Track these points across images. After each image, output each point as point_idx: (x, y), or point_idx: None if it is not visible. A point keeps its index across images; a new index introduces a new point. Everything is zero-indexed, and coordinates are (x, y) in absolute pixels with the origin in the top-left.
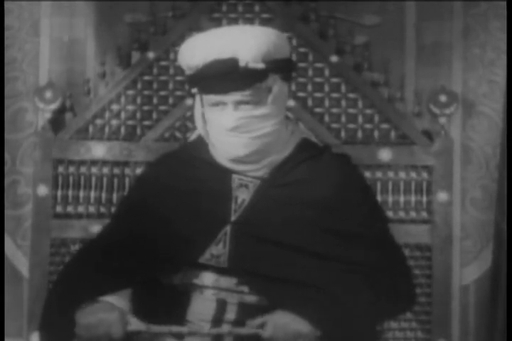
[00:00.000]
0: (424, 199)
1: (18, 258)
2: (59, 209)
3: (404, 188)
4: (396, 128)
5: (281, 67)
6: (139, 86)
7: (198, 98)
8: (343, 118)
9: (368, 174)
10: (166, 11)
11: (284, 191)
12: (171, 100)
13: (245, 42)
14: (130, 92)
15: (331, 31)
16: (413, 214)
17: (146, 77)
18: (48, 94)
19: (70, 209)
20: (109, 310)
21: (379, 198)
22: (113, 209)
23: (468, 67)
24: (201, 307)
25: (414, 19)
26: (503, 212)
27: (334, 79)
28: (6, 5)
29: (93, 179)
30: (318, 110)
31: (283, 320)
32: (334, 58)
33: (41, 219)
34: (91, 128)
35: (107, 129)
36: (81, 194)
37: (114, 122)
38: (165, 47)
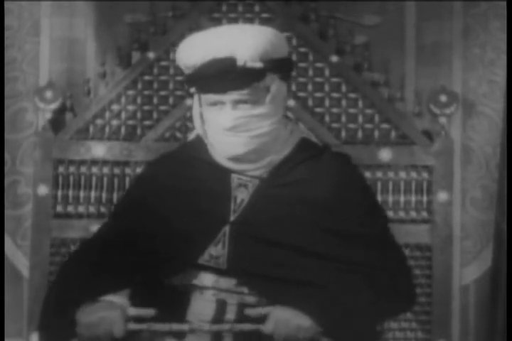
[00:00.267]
0: (425, 199)
1: (18, 258)
2: (59, 209)
3: (404, 188)
4: (396, 128)
5: (279, 66)
6: (139, 86)
7: (196, 97)
8: (344, 118)
9: (368, 174)
10: (166, 11)
11: (283, 191)
12: (171, 100)
13: (243, 41)
14: (130, 92)
15: (331, 31)
16: (413, 214)
17: (147, 77)
18: (48, 94)
19: (70, 209)
20: (110, 309)
21: (379, 198)
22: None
23: (468, 67)
24: (201, 308)
25: (414, 19)
26: (503, 212)
27: (334, 79)
28: (6, 5)
29: (93, 179)
30: (318, 110)
31: (284, 315)
32: (334, 58)
33: (41, 219)
34: (91, 128)
35: (107, 129)
36: (81, 194)
37: (115, 122)
38: (165, 47)
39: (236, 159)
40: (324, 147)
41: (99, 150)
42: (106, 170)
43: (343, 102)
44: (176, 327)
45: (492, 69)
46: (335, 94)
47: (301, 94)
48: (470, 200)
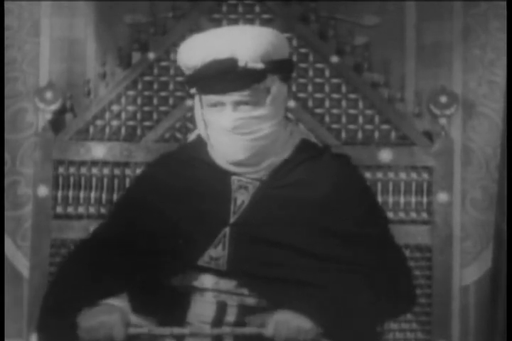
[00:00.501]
0: (425, 199)
1: (18, 259)
2: (59, 209)
3: (404, 189)
4: (396, 128)
5: (280, 67)
6: (140, 86)
7: (197, 99)
8: (344, 119)
9: (368, 175)
10: (166, 11)
11: (283, 192)
12: (171, 101)
13: (244, 42)
14: (130, 93)
15: (331, 32)
16: (413, 214)
17: (147, 78)
18: (48, 95)
19: (70, 209)
20: (111, 312)
21: (379, 199)
22: None
23: (468, 67)
24: (201, 310)
25: (414, 19)
26: (503, 213)
27: (334, 80)
28: (6, 5)
29: (93, 180)
30: (318, 111)
31: (284, 317)
32: (334, 59)
33: (41, 219)
34: (91, 129)
35: (107, 130)
36: (81, 194)
37: (115, 123)
38: (165, 47)
39: (237, 164)
40: (324, 148)
41: (99, 150)
42: (106, 170)
43: (343, 103)
44: (176, 331)
45: (492, 70)
46: (335, 95)
47: (302, 94)
48: (470, 201)
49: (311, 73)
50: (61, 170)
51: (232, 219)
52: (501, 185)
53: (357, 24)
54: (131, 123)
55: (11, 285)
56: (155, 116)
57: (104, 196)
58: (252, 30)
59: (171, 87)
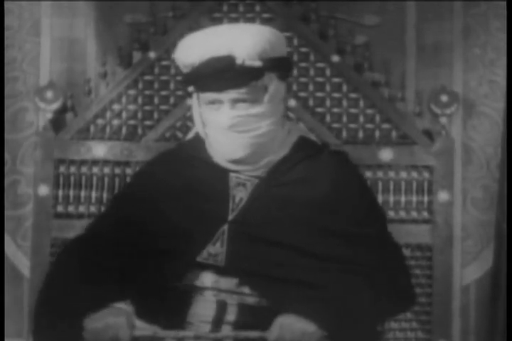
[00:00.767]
0: (425, 199)
1: (19, 258)
2: (60, 209)
3: (405, 188)
4: (397, 128)
5: (277, 65)
6: (140, 86)
7: (194, 97)
8: (344, 118)
9: (368, 174)
10: (166, 11)
11: (281, 190)
12: (172, 100)
13: (242, 40)
14: (131, 92)
15: (332, 31)
16: (414, 214)
17: (147, 77)
18: (49, 94)
19: (70, 209)
20: (117, 315)
21: (380, 198)
22: None
23: (468, 67)
24: (201, 309)
25: (415, 19)
26: (503, 212)
27: (335, 79)
28: (6, 5)
29: (94, 179)
30: (319, 110)
31: (287, 320)
32: (335, 58)
33: (42, 219)
34: (92, 128)
35: (107, 129)
36: (82, 194)
37: (115, 122)
38: (165, 47)
39: (235, 162)
40: (322, 145)
41: (99, 150)
42: (107, 170)
43: (344, 102)
44: (182, 333)
45: (492, 70)
46: (336, 94)
47: (302, 94)
48: (471, 200)
49: (311, 72)
50: (62, 169)
51: (230, 217)
52: (502, 185)
53: (357, 24)
54: (131, 122)
55: (11, 285)
56: (156, 115)
57: (104, 195)
58: (249, 27)
59: (172, 86)
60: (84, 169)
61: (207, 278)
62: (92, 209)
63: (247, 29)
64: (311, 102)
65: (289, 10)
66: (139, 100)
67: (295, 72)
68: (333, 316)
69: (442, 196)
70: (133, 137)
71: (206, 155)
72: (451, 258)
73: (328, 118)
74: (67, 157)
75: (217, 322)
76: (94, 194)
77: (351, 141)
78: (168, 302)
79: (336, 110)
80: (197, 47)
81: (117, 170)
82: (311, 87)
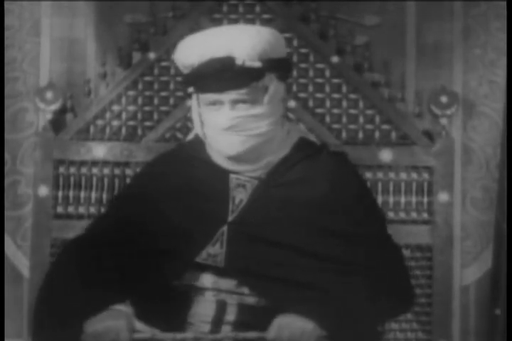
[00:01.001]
0: (425, 199)
1: (19, 259)
2: (59, 209)
3: (405, 189)
4: (397, 128)
5: (277, 66)
6: (140, 86)
7: (194, 98)
8: (344, 119)
9: (368, 175)
10: (166, 11)
11: (281, 191)
12: (171, 101)
13: (242, 40)
14: (131, 93)
15: (332, 32)
16: (414, 214)
17: (147, 78)
18: (49, 95)
19: (70, 209)
20: (116, 318)
21: (380, 199)
22: None
23: (468, 67)
24: (201, 309)
25: (415, 19)
26: (503, 213)
27: (335, 80)
28: (7, 5)
29: (94, 179)
30: (319, 111)
31: (286, 320)
32: (335, 59)
33: (41, 219)
34: (92, 129)
35: (107, 130)
36: (82, 194)
37: (115, 123)
38: (165, 47)
39: (234, 158)
40: (322, 146)
41: (99, 150)
42: (106, 170)
43: (344, 103)
44: (179, 336)
45: (492, 70)
46: (335, 95)
47: (302, 94)
48: (470, 201)
49: (311, 73)
50: (61, 169)
51: (230, 218)
52: (502, 185)
53: (357, 24)
54: (131, 123)
55: (11, 285)
56: (155, 116)
57: (104, 196)
58: (249, 28)
59: (172, 86)
60: (84, 170)
61: (206, 279)
62: (92, 209)
63: (246, 30)
64: (310, 103)
65: (288, 10)
66: (139, 101)
67: (295, 72)
68: (333, 316)
69: (442, 196)
70: (133, 138)
71: (206, 156)
72: (451, 258)
73: (328, 118)
74: (67, 157)
75: (217, 322)
76: (93, 194)
77: (351, 142)
78: (168, 302)
79: (335, 111)
80: (197, 47)
81: (117, 171)
82: (310, 88)
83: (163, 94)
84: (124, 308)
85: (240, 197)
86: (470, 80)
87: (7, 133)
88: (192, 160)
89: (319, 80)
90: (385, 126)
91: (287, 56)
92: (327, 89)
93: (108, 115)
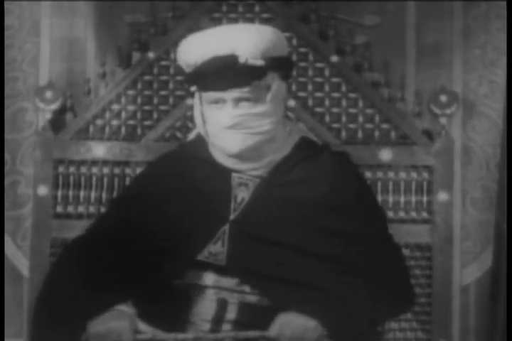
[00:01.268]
0: (425, 199)
1: (18, 259)
2: (59, 209)
3: (404, 188)
4: (396, 128)
5: (279, 64)
6: (140, 86)
7: (197, 96)
8: (344, 118)
9: (368, 174)
10: (166, 11)
11: (283, 190)
12: (171, 100)
13: (244, 39)
14: (130, 92)
15: (332, 31)
16: (413, 214)
17: (147, 77)
18: (48, 94)
19: (70, 209)
20: (119, 318)
21: (379, 198)
22: None
23: (468, 67)
24: (202, 308)
25: (415, 19)
26: (503, 212)
27: (334, 79)
28: (6, 5)
29: (93, 179)
30: (318, 110)
31: (288, 318)
32: (334, 58)
33: (41, 219)
34: (91, 129)
35: (107, 129)
36: (81, 194)
37: (115, 122)
38: (165, 47)
39: (236, 156)
40: (323, 146)
41: (99, 150)
42: (106, 170)
43: (343, 102)
44: (180, 336)
45: (492, 70)
46: (335, 94)
47: (301, 94)
48: (470, 200)
49: (311, 72)
50: (61, 169)
51: (232, 216)
52: (501, 185)
53: (357, 24)
54: (131, 122)
55: (11, 285)
56: (155, 115)
57: (104, 195)
58: (251, 27)
59: (171, 86)
60: (83, 169)
61: (208, 277)
62: (92, 209)
63: (249, 28)
64: (310, 102)
65: (288, 10)
66: (139, 100)
67: (294, 72)
68: (333, 316)
69: (442, 196)
70: (132, 137)
71: (208, 154)
72: (450, 258)
73: (327, 118)
74: (67, 157)
75: (218, 320)
76: (93, 194)
77: (351, 141)
78: (170, 302)
79: (335, 110)
80: (199, 46)
81: (116, 170)
82: (310, 87)
83: (163, 93)
84: (126, 309)
85: (241, 195)
86: (470, 80)
87: (7, 133)
88: (194, 159)
89: (319, 79)
90: (385, 126)
91: (289, 55)
92: (326, 88)
93: (108, 114)
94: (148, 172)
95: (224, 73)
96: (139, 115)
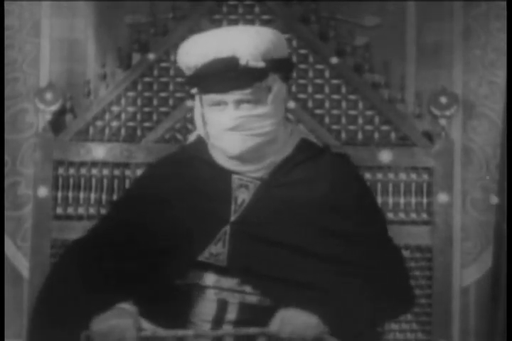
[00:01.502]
0: (425, 200)
1: (19, 259)
2: (59, 210)
3: (404, 190)
4: (396, 129)
5: (280, 66)
6: (139, 87)
7: (197, 98)
8: (344, 120)
9: (368, 175)
10: (167, 12)
11: (283, 191)
12: (171, 102)
13: (245, 41)
14: (130, 94)
15: (332, 32)
16: (413, 215)
17: (147, 79)
18: (49, 96)
19: (70, 210)
20: (122, 316)
21: (379, 200)
22: None
23: (468, 68)
24: (202, 308)
25: (415, 20)
26: (503, 213)
27: (334, 81)
28: (7, 5)
29: (93, 180)
30: (318, 111)
31: (288, 313)
32: (334, 59)
33: (41, 220)
34: (91, 130)
35: (107, 131)
36: (81, 195)
37: (115, 123)
38: (165, 48)
39: (237, 158)
40: (324, 147)
41: (99, 151)
42: (106, 171)
43: (343, 104)
44: (180, 333)
45: (492, 71)
46: (335, 96)
47: (301, 95)
48: (470, 201)
49: (311, 74)
50: (61, 170)
51: (232, 218)
52: (501, 185)
53: (357, 25)
54: (131, 124)
55: (11, 286)
56: (155, 116)
57: (104, 197)
58: (252, 29)
59: (171, 87)
60: (83, 170)
61: (208, 277)
62: (91, 210)
63: (249, 30)
64: (310, 104)
65: (288, 11)
66: (139, 102)
67: (294, 73)
68: (333, 317)
69: (442, 197)
70: (132, 138)
71: (208, 156)
72: (450, 259)
73: (327, 119)
74: (67, 158)
75: (218, 321)
76: (93, 195)
77: (351, 143)
78: (170, 301)
79: (335, 111)
80: (200, 48)
81: (116, 172)
82: (310, 89)
83: (163, 95)
84: (128, 307)
85: (242, 197)
86: (470, 81)
87: (7, 134)
88: (194, 161)
89: (319, 81)
90: (385, 127)
91: (289, 56)
92: (326, 89)
93: (108, 116)
94: (148, 174)
95: (225, 75)
96: (138, 116)
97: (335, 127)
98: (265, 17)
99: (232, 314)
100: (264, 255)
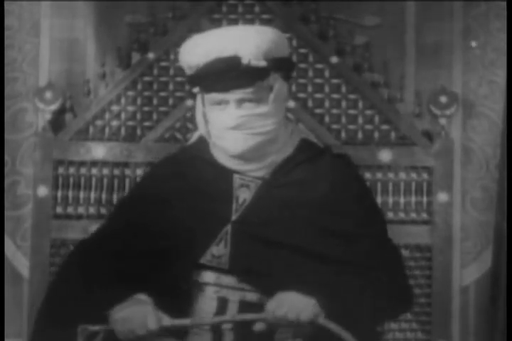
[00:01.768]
0: (425, 200)
1: (18, 259)
2: (59, 209)
3: (404, 189)
4: (396, 129)
5: (281, 65)
6: (139, 87)
7: (199, 98)
8: (344, 119)
9: (368, 175)
10: (166, 11)
11: (284, 191)
12: (171, 101)
13: (246, 40)
14: (130, 93)
15: (331, 32)
16: (413, 215)
17: (146, 78)
18: (48, 95)
19: (70, 210)
20: (143, 303)
21: (379, 199)
22: None
23: (468, 67)
24: (203, 306)
25: (415, 20)
26: (503, 213)
27: (334, 80)
28: (6, 5)
29: (93, 180)
30: (318, 111)
31: (287, 295)
32: (334, 59)
33: (41, 219)
34: (91, 129)
35: (107, 130)
36: (81, 195)
37: (114, 123)
38: (165, 48)
39: (238, 157)
40: (325, 148)
41: (99, 151)
42: (106, 170)
43: (343, 103)
44: (177, 322)
45: (492, 70)
46: (335, 95)
47: (301, 95)
48: (470, 201)
49: (310, 73)
50: (61, 170)
51: (234, 217)
52: (501, 185)
53: (357, 24)
54: (130, 123)
55: (11, 285)
56: (155, 116)
57: (103, 196)
58: (253, 28)
59: (171, 87)
60: (83, 170)
61: (208, 275)
62: (91, 210)
63: (250, 29)
64: (310, 103)
65: (288, 10)
66: (138, 101)
67: (294, 73)
68: (332, 316)
69: (441, 197)
70: (132, 138)
71: (210, 155)
72: (450, 258)
73: (327, 119)
74: (67, 158)
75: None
76: (93, 195)
77: (350, 142)
78: (171, 300)
79: (335, 111)
80: (202, 48)
81: (116, 171)
82: (310, 88)
83: (163, 94)
84: (144, 297)
85: (243, 197)
86: (470, 80)
87: (7, 133)
88: (196, 160)
89: (318, 80)
90: (385, 127)
91: (290, 56)
92: (326, 89)
93: (107, 115)
94: (150, 174)
95: (227, 74)
96: (138, 116)
97: (335, 126)
98: (265, 16)
99: (232, 312)
100: (264, 255)
